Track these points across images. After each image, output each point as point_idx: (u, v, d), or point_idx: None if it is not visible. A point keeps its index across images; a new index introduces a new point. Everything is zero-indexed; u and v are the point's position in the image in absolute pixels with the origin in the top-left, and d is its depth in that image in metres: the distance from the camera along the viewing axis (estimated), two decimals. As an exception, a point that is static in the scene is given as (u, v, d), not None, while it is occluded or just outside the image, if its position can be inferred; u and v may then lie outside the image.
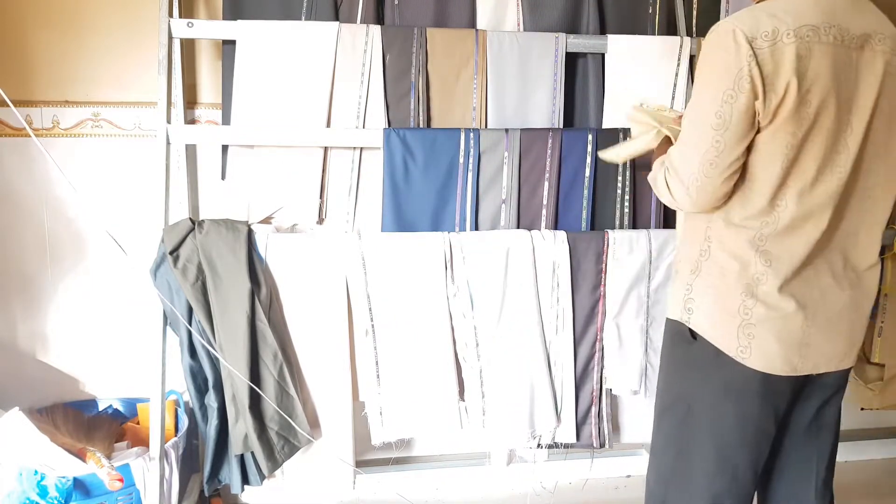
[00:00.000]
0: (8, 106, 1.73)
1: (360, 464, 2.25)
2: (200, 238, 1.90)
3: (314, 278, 1.99)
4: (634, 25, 2.27)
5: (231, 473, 1.99)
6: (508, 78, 2.13)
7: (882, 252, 2.31)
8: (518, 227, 2.11)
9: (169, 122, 1.96)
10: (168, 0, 1.95)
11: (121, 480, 1.82)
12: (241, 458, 1.99)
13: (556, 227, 2.13)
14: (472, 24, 2.18)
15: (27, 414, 1.86)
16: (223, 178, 2.12)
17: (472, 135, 2.06)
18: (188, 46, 2.15)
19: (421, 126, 2.10)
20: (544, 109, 2.17)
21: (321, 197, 2.12)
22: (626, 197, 2.17)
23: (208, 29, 2.02)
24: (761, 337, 1.31)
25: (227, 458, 2.00)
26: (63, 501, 1.73)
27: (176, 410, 2.16)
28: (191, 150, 2.17)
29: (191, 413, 2.09)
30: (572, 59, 2.21)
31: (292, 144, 2.05)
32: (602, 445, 2.18)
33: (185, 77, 2.13)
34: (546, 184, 2.11)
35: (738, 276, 1.32)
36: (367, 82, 2.07)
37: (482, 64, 2.12)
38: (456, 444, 2.45)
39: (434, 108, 2.13)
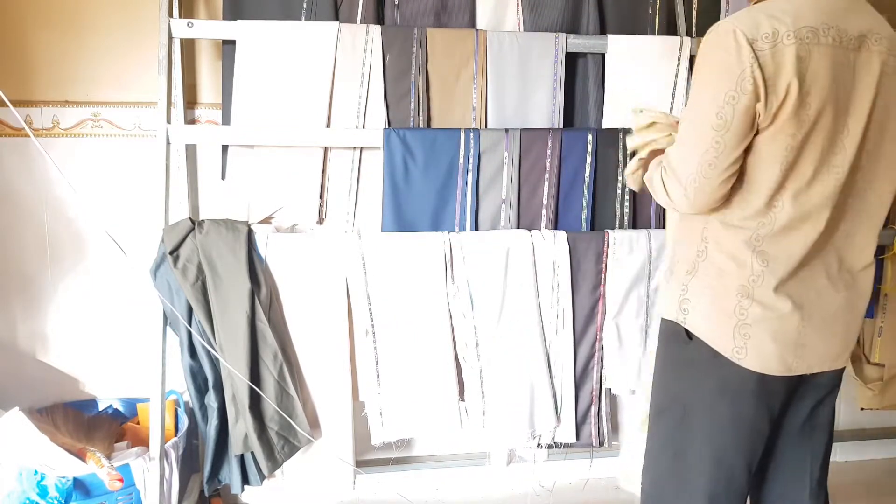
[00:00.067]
0: (7, 106, 1.73)
1: (360, 464, 2.25)
2: (200, 238, 1.90)
3: (314, 278, 1.99)
4: (634, 25, 2.27)
5: (231, 473, 2.00)
6: (508, 78, 2.13)
7: (882, 252, 2.31)
8: (518, 227, 2.11)
9: (169, 122, 1.96)
10: (168, 0, 1.95)
11: (121, 480, 1.82)
12: (241, 458, 1.99)
13: (556, 227, 2.13)
14: (472, 24, 2.18)
15: (27, 414, 1.86)
16: (223, 178, 2.12)
17: (472, 135, 2.06)
18: (188, 46, 2.15)
19: (421, 126, 2.10)
20: (544, 109, 2.17)
21: (321, 197, 2.12)
22: (626, 197, 2.17)
23: (208, 29, 2.03)
24: (757, 337, 1.31)
25: (227, 458, 2.00)
26: (63, 501, 1.73)
27: (176, 410, 2.16)
28: (191, 150, 2.17)
29: (191, 413, 2.09)
30: (572, 59, 2.21)
31: (292, 144, 2.05)
32: (601, 444, 2.19)
33: (185, 77, 2.13)
34: (546, 184, 2.11)
35: (734, 277, 1.31)
36: (367, 82, 2.07)
37: (482, 64, 2.12)
38: (456, 444, 2.45)
39: (434, 108, 2.13)
